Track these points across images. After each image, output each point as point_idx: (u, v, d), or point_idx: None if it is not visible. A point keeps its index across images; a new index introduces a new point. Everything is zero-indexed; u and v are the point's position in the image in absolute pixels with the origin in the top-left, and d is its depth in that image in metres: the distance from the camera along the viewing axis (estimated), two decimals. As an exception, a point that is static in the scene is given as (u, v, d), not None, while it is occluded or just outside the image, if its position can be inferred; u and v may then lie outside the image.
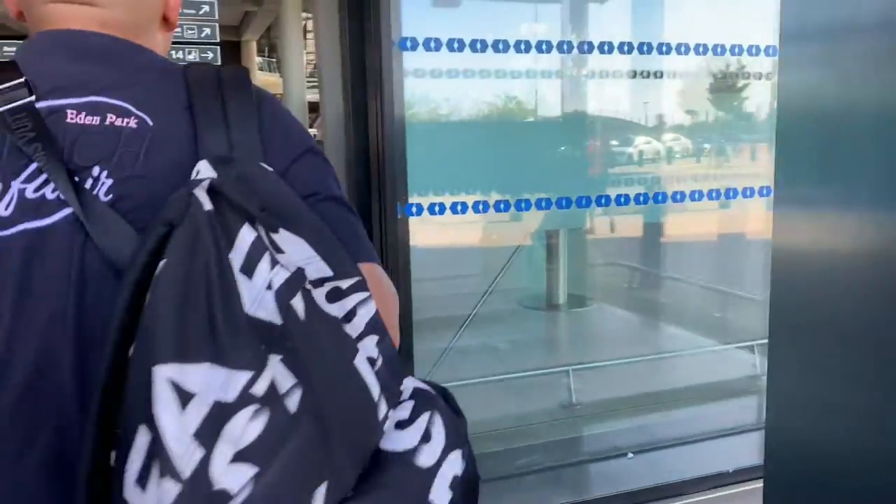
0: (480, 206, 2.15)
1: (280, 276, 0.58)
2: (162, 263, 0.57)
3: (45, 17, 0.75)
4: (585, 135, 2.69)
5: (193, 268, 0.57)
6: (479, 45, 2.06)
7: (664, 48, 2.31)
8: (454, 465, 0.64)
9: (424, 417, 0.65)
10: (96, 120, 0.69)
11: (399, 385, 0.66)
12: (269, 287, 0.57)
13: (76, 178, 0.67)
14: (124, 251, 0.64)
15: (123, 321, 0.58)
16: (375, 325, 0.64)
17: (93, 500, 0.58)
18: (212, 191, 0.60)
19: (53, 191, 0.66)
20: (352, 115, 2.02)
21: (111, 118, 0.69)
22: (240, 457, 0.53)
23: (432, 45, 1.99)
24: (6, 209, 0.65)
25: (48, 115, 0.68)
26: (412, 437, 0.63)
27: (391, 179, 1.93)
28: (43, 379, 0.64)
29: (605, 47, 2.25)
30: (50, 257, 0.65)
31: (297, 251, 0.62)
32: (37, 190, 0.66)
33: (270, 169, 0.68)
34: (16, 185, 0.66)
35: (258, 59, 23.34)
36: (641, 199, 2.43)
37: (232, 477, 0.52)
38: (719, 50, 2.46)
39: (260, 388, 0.55)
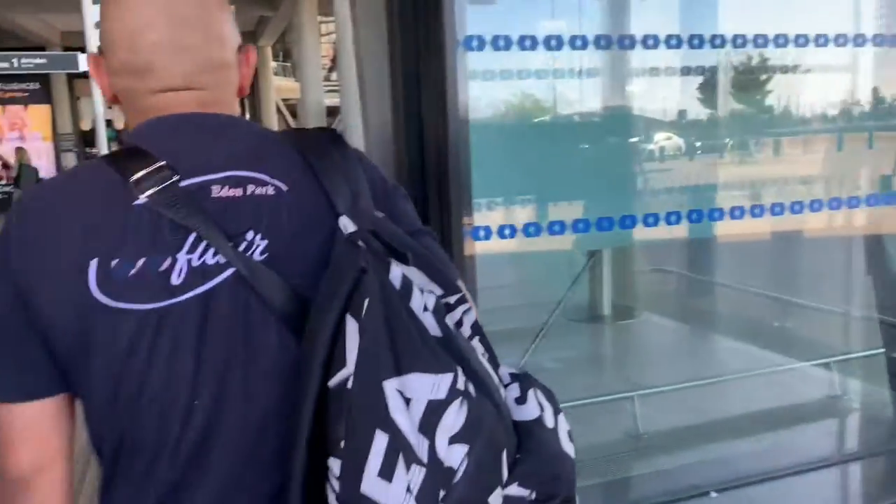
0: (557, 227, 1.87)
1: (430, 300, 0.74)
2: (367, 301, 0.70)
3: (152, 106, 0.83)
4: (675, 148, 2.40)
5: (386, 301, 0.70)
6: (553, 43, 1.78)
7: (781, 40, 2.02)
8: (564, 424, 0.80)
9: (531, 392, 0.79)
10: (239, 192, 0.78)
11: (498, 372, 0.81)
12: (426, 309, 0.73)
13: (231, 243, 0.77)
14: (281, 299, 0.76)
15: (325, 356, 0.71)
16: (477, 329, 0.80)
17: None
18: (362, 240, 0.75)
19: (213, 256, 0.76)
20: (403, 128, 1.73)
21: (251, 188, 0.79)
22: (454, 439, 0.68)
23: (501, 43, 1.72)
24: (179, 278, 0.75)
25: (196, 192, 0.77)
26: (532, 408, 0.78)
27: (456, 200, 1.65)
28: (219, 413, 0.76)
29: (696, 41, 1.95)
30: (219, 312, 0.76)
31: (419, 280, 0.76)
32: (199, 258, 0.76)
33: (383, 214, 0.81)
34: (181, 256, 0.76)
35: (273, 65, 23.30)
36: (737, 213, 2.12)
37: (453, 456, 0.67)
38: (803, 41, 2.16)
39: (460, 384, 0.69)
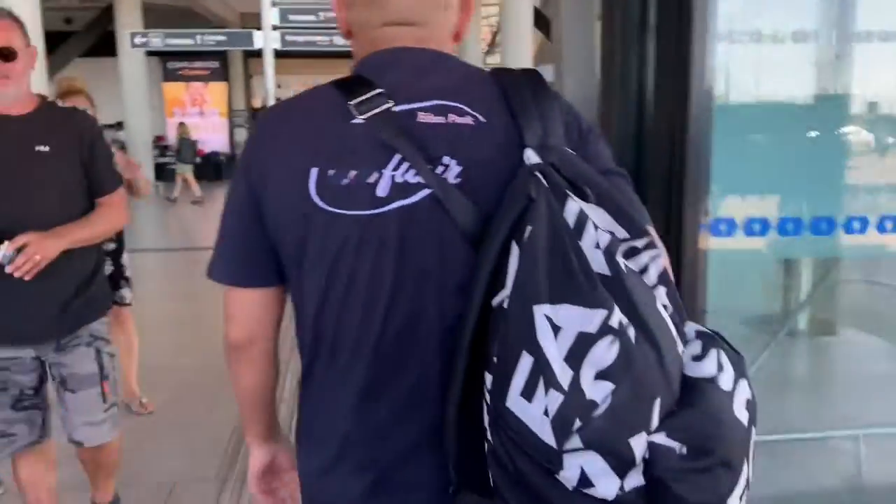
0: (824, 225, 1.47)
1: (604, 238, 0.74)
2: (529, 229, 0.74)
3: (377, 38, 0.91)
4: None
5: (552, 232, 0.73)
6: (800, 36, 1.36)
7: None
8: (744, 390, 0.75)
9: (713, 352, 0.76)
10: (441, 119, 0.86)
11: (684, 327, 0.78)
12: (597, 246, 0.73)
13: (430, 166, 0.84)
14: (469, 221, 0.82)
15: (489, 275, 0.77)
16: (665, 278, 0.78)
17: (463, 411, 0.79)
18: (542, 172, 0.79)
19: (414, 175, 0.84)
20: (620, 111, 1.41)
21: (452, 117, 0.86)
22: (601, 376, 0.68)
23: (750, 35, 1.34)
24: (384, 191, 0.84)
25: (404, 117, 0.86)
26: (710, 366, 0.75)
27: (692, 191, 1.31)
28: (415, 319, 0.85)
29: None
30: (417, 226, 0.84)
31: (599, 218, 0.77)
32: (402, 175, 0.84)
33: (573, 152, 0.84)
34: (387, 172, 0.84)
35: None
36: None
37: (597, 390, 0.68)
38: None
39: (614, 322, 0.69)
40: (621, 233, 0.77)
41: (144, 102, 14.25)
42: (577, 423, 0.67)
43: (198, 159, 13.32)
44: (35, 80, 2.13)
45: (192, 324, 5.06)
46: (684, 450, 0.69)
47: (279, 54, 9.72)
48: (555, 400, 0.68)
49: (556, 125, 0.85)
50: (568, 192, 0.76)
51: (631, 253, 0.76)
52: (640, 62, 1.37)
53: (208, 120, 19.99)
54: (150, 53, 15.11)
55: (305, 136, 0.87)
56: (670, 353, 0.72)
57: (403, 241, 0.84)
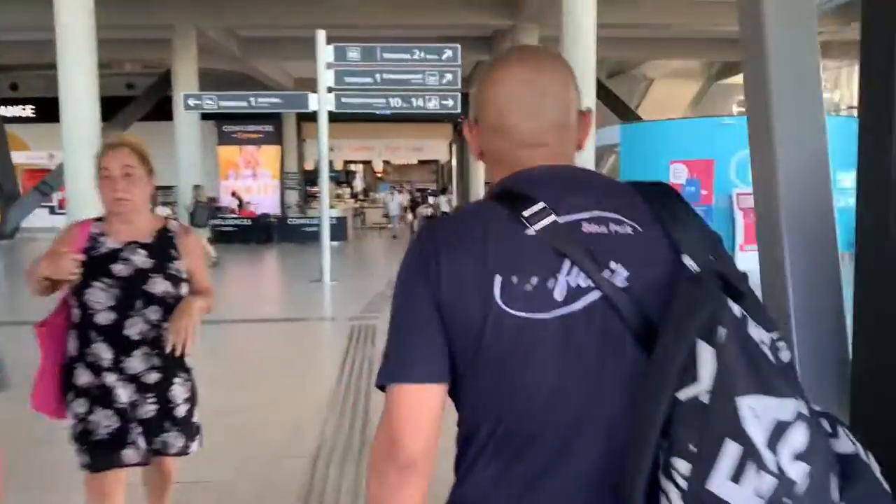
0: None
1: (764, 334, 0.83)
2: (722, 330, 0.80)
3: (514, 160, 1.01)
4: None
5: (741, 332, 0.81)
6: None
7: None
8: (874, 462, 0.84)
9: (841, 429, 0.85)
10: (603, 228, 0.93)
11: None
12: (762, 342, 0.83)
13: (599, 271, 0.91)
14: (635, 320, 0.89)
15: (678, 369, 0.81)
16: (792, 367, 0.89)
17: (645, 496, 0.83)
18: (708, 277, 0.87)
19: (585, 279, 0.91)
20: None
21: (613, 227, 0.94)
22: (798, 457, 0.76)
23: None
24: (560, 294, 0.90)
25: (570, 227, 0.94)
26: (847, 442, 0.84)
27: None
28: (587, 410, 0.90)
29: None
30: (590, 326, 0.90)
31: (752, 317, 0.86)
32: (575, 279, 0.91)
33: (711, 257, 0.93)
34: (561, 277, 0.91)
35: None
36: None
37: (795, 470, 0.76)
38: None
39: (802, 409, 0.79)
40: (766, 328, 0.85)
41: (198, 164, 14.26)
42: (788, 501, 0.75)
43: (211, 221, 12.84)
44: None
45: (223, 417, 3.61)
46: None
47: (331, 118, 9.55)
48: (767, 482, 0.75)
49: (695, 233, 0.94)
50: (726, 295, 0.84)
51: (776, 347, 0.86)
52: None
53: (260, 182, 20.13)
54: (206, 117, 15.28)
55: (484, 245, 0.93)
56: (825, 431, 0.84)
57: (578, 340, 0.90)
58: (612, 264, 0.90)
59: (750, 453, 0.75)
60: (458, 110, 9.33)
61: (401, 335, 0.95)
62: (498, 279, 0.90)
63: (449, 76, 9.20)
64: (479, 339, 0.90)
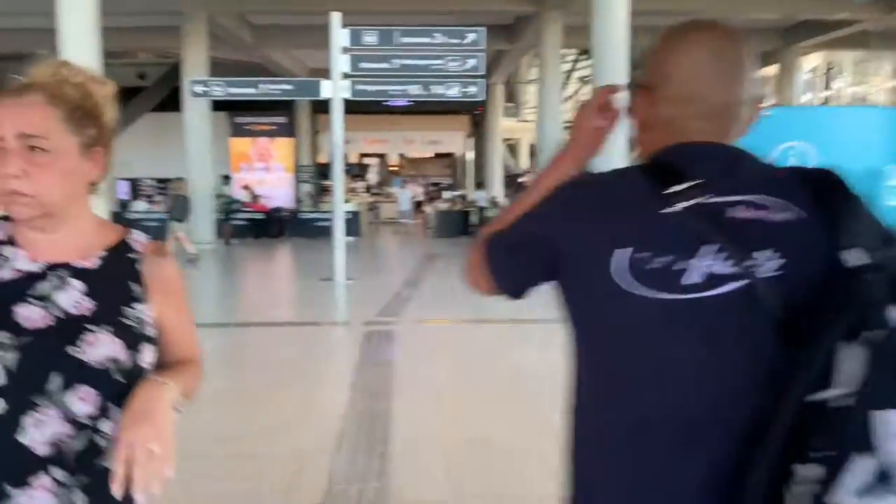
0: None
1: None
2: (879, 333, 0.77)
3: (680, 131, 0.96)
4: None
5: (892, 338, 0.77)
6: None
7: None
8: None
9: None
10: (758, 213, 0.90)
11: None
12: None
13: (746, 258, 0.88)
14: (784, 315, 0.85)
15: (818, 371, 0.80)
16: None
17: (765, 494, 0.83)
18: (869, 275, 0.82)
19: (730, 266, 0.88)
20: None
21: (769, 212, 0.90)
22: None
23: None
24: (696, 278, 0.88)
25: (719, 209, 0.90)
26: None
27: None
28: (713, 408, 0.89)
29: None
30: (726, 316, 0.88)
31: None
32: (715, 265, 0.88)
33: (880, 252, 0.86)
34: (698, 261, 0.88)
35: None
36: None
37: None
38: None
39: None
40: None
41: (207, 156, 13.78)
42: None
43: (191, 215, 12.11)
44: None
45: (223, 445, 3.36)
46: None
47: (346, 109, 8.99)
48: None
49: (867, 226, 0.88)
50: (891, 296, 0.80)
51: None
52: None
53: (274, 175, 19.65)
54: (218, 108, 14.79)
55: (608, 216, 0.93)
56: None
57: (711, 329, 0.88)
58: (764, 252, 0.88)
59: (886, 468, 0.73)
60: (483, 97, 8.75)
61: (515, 230, 1.01)
62: (625, 252, 0.89)
63: (472, 61, 8.61)
64: (598, 310, 0.93)
